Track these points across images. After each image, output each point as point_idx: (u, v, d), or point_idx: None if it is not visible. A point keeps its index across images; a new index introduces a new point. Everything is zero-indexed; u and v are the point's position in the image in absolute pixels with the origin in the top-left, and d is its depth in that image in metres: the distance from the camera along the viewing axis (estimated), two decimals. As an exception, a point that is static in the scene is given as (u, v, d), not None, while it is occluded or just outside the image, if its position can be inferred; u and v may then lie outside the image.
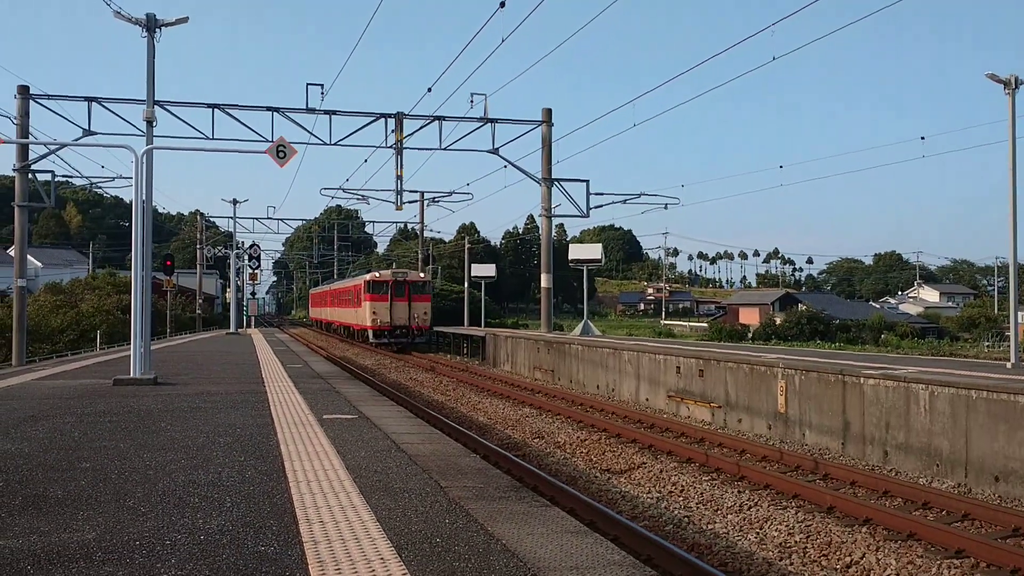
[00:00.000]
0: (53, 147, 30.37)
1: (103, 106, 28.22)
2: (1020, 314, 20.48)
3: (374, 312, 41.70)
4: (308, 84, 29.20)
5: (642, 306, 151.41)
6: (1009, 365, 16.84)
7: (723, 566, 8.09)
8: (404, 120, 30.89)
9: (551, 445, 14.97)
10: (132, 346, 15.96)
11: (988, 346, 60.99)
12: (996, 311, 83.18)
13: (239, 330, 51.93)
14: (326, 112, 29.78)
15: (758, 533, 9.27)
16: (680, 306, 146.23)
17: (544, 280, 33.43)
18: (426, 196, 51.64)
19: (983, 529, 9.47)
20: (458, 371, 30.48)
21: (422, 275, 45.70)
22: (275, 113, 29.42)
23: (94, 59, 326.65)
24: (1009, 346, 19.04)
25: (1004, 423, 11.12)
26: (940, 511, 10.15)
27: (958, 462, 11.78)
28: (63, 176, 39.75)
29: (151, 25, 16.88)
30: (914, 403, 12.62)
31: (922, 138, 53.56)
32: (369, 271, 50.67)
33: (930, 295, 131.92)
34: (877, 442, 13.28)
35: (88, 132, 28.21)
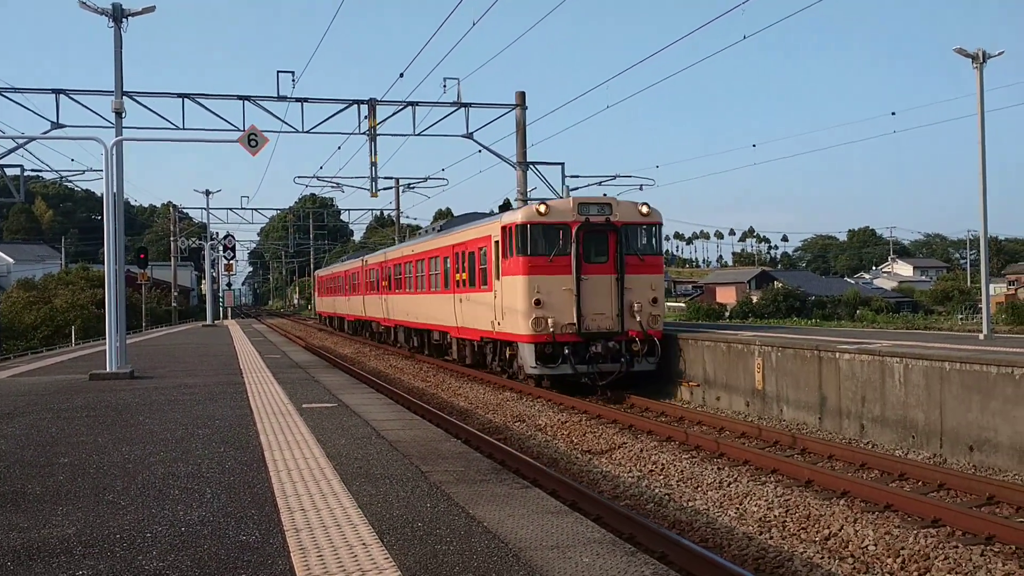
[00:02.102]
0: (21, 141, 29.93)
1: (71, 98, 27.79)
2: (992, 286, 20.73)
3: (537, 300, 17.63)
4: (279, 72, 28.78)
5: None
6: (982, 336, 17.08)
7: (704, 542, 8.18)
8: (377, 106, 30.66)
9: (532, 428, 15.01)
10: (107, 340, 15.86)
11: (962, 318, 61.58)
12: (969, 284, 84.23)
13: (216, 322, 51.64)
14: (298, 100, 29.48)
15: (738, 509, 9.37)
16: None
17: (522, 264, 33.23)
18: (401, 182, 51.34)
19: (958, 498, 9.61)
20: (438, 358, 30.40)
21: (643, 207, 18.80)
22: (246, 102, 29.08)
23: (61, 51, 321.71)
24: (982, 318, 19.28)
25: (978, 394, 11.28)
26: (916, 482, 10.29)
27: (933, 433, 11.94)
28: (32, 170, 39.28)
29: (117, 15, 16.71)
30: (889, 376, 12.77)
31: (892, 113, 54.09)
32: (494, 216, 22.54)
33: (904, 269, 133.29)
34: (853, 416, 13.43)
35: (56, 125, 27.80)
